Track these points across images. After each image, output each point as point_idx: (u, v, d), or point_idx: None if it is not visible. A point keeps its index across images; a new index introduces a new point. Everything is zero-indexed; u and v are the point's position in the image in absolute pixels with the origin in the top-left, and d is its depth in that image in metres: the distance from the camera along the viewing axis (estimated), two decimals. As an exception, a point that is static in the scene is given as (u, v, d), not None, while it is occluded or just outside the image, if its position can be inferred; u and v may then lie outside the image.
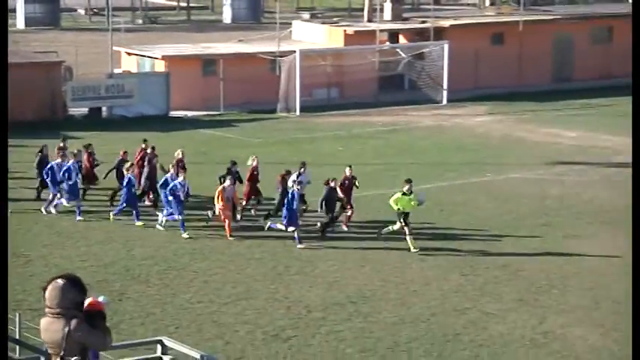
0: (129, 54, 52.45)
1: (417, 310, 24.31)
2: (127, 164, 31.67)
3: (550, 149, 41.80)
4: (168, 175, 30.72)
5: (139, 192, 32.03)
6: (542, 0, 78.66)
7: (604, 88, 54.75)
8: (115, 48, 50.53)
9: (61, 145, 33.26)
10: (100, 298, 9.25)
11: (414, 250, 28.05)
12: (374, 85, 52.46)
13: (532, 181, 36.28)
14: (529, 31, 57.15)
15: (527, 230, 29.54)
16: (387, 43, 56.29)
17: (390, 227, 29.11)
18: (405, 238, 28.24)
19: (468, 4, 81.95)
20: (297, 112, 48.26)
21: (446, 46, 52.11)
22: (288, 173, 31.38)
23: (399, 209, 28.62)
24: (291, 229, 29.39)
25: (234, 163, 31.88)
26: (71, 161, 31.44)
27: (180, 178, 30.53)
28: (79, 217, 30.98)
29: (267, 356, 21.39)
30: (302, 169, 31.45)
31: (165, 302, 24.54)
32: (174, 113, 47.88)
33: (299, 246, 28.90)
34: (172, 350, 12.42)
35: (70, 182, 30.95)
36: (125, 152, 33.15)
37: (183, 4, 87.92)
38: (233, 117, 47.72)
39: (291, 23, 59.62)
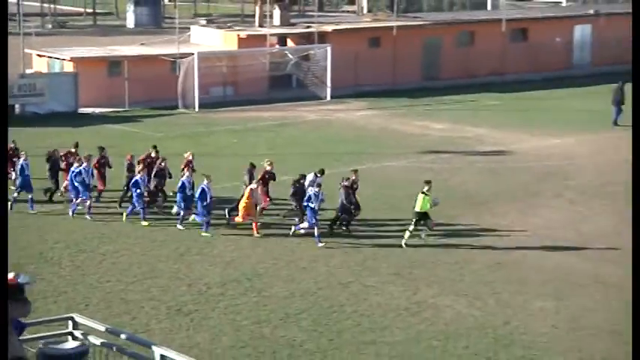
0: (40, 56, 51.55)
1: (306, 284, 24.51)
2: (139, 167, 30.14)
3: (421, 140, 42.18)
4: (184, 178, 29.25)
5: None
6: (412, 7, 79.49)
7: (467, 85, 55.69)
8: (26, 50, 49.61)
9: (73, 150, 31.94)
10: (21, 277, 10.00)
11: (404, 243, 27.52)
12: (265, 84, 52.34)
13: (405, 169, 36.55)
14: (402, 35, 57.59)
15: (401, 213, 29.65)
16: (277, 45, 56.20)
17: (422, 235, 27.78)
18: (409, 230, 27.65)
19: (348, 12, 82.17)
20: (196, 109, 47.87)
21: (329, 49, 52.32)
22: (303, 177, 29.61)
23: (419, 210, 27.43)
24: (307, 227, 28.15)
25: (253, 166, 30.48)
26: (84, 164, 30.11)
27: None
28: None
29: (171, 329, 21.33)
30: (319, 174, 29.66)
31: (76, 282, 24.36)
32: (82, 110, 47.07)
33: (319, 244, 27.39)
34: (83, 325, 12.28)
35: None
36: (132, 156, 31.64)
37: (90, 11, 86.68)
38: (137, 113, 47.21)
39: (189, 28, 59.40)
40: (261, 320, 22.03)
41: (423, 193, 27.61)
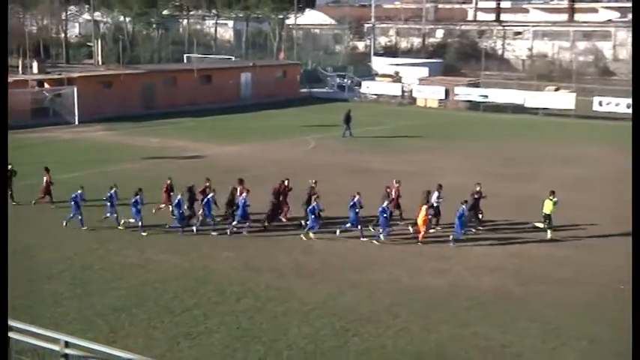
0: None
1: (69, 252, 23.71)
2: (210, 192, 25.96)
3: (143, 150, 41.77)
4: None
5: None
6: (134, 61, 78.38)
7: (173, 112, 55.72)
8: None
9: None
10: None
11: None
12: (28, 114, 50.02)
13: (134, 169, 36.15)
14: (127, 79, 57.08)
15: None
16: (36, 87, 53.97)
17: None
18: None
19: (89, 63, 79.37)
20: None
21: (75, 89, 50.77)
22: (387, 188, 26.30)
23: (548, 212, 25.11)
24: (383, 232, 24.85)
25: (287, 180, 27.25)
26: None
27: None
28: None
29: None
30: (439, 189, 26.15)
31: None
32: None
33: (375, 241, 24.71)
34: None
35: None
36: (208, 179, 26.87)
37: None
38: None
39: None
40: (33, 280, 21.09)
41: (549, 199, 25.33)
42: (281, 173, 32.83)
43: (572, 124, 54.17)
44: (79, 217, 25.70)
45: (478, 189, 26.15)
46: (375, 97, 66.51)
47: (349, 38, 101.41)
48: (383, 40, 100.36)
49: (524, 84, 66.26)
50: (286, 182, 27.21)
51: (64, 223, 25.94)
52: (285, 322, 18.11)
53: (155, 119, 53.14)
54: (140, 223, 25.40)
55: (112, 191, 25.92)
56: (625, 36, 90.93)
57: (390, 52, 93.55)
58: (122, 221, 25.81)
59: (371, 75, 76.48)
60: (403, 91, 65.72)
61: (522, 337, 17.36)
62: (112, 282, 20.82)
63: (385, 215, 24.59)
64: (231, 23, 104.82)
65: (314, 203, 25.22)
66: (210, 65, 70.29)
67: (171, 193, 26.96)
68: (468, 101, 61.82)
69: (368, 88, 67.96)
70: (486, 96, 61.21)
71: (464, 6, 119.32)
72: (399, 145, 44.62)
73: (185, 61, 78.49)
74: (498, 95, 60.80)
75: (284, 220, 26.96)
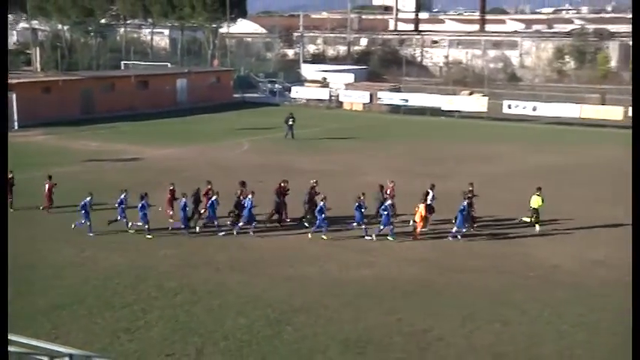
0: None
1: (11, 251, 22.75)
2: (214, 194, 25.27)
3: (84, 152, 40.79)
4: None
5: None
6: (73, 67, 76.44)
7: (111, 117, 54.50)
8: None
9: None
10: None
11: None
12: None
13: (76, 170, 35.28)
14: (66, 85, 55.61)
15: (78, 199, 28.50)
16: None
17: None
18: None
19: (28, 70, 76.93)
20: None
21: (14, 95, 48.71)
22: (381, 187, 26.02)
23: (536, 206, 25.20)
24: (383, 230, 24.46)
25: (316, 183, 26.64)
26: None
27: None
28: None
29: None
30: (432, 188, 26.17)
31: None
32: None
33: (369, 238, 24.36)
34: None
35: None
36: (209, 181, 26.25)
37: None
38: None
39: None
40: None
41: (537, 195, 25.45)
42: (217, 174, 32.56)
43: (485, 126, 55.34)
44: (88, 224, 24.72)
45: (470, 188, 25.87)
46: (304, 101, 66.61)
47: (279, 46, 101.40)
48: (311, 48, 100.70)
49: (441, 89, 67.42)
50: (283, 184, 26.54)
51: (75, 227, 25.10)
52: (221, 315, 17.92)
53: (94, 124, 51.94)
54: (147, 226, 24.62)
55: (123, 196, 24.94)
56: (529, 45, 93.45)
57: (318, 59, 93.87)
58: (130, 224, 24.86)
59: (300, 81, 76.55)
60: (330, 96, 66.12)
61: (442, 322, 17.61)
62: (53, 280, 20.28)
63: (387, 213, 24.24)
64: (166, 32, 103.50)
65: (321, 203, 24.54)
66: (147, 72, 69.11)
67: (176, 199, 25.81)
68: (390, 105, 62.56)
69: (297, 92, 68.03)
70: (407, 100, 62.02)
71: (385, 17, 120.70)
72: (327, 146, 44.75)
73: (122, 67, 77.04)
74: (418, 99, 61.68)
75: (288, 220, 26.30)
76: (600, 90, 67.09)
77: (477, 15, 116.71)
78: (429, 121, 57.73)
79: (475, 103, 60.44)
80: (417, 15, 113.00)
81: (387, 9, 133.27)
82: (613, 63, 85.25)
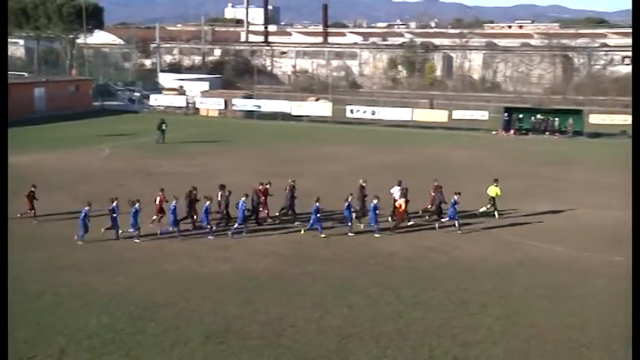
0: None
1: None
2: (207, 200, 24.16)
3: None
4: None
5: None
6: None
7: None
8: None
9: None
10: None
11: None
12: None
13: None
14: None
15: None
16: None
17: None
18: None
19: None
20: None
21: None
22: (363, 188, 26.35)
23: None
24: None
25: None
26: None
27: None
28: None
29: None
30: (400, 184, 26.70)
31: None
32: None
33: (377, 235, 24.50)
34: None
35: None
36: (194, 187, 25.43)
37: None
38: None
39: None
40: None
41: (494, 186, 27.22)
42: (79, 180, 31.22)
43: (331, 129, 56.66)
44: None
45: (437, 184, 26.98)
46: (162, 108, 65.16)
47: (137, 56, 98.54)
48: (168, 58, 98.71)
49: (290, 95, 68.32)
50: (267, 185, 26.61)
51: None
52: (85, 315, 17.19)
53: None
54: (137, 232, 23.54)
55: (114, 204, 23.56)
56: (367, 56, 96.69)
57: (175, 68, 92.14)
58: (121, 232, 23.66)
59: (158, 89, 74.81)
60: (187, 103, 65.28)
61: (295, 310, 17.87)
62: None
63: (377, 211, 24.43)
64: (22, 42, 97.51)
65: (316, 204, 24.50)
66: None
67: (167, 201, 24.73)
68: (244, 111, 62.65)
69: (156, 100, 66.52)
70: (259, 106, 62.32)
71: (237, 29, 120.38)
72: (185, 150, 44.03)
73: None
74: (269, 105, 62.17)
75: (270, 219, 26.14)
76: (428, 96, 70.80)
77: (320, 28, 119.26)
78: (281, 125, 58.29)
79: (321, 108, 61.82)
80: (266, 28, 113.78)
81: (238, 22, 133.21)
82: (438, 72, 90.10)
